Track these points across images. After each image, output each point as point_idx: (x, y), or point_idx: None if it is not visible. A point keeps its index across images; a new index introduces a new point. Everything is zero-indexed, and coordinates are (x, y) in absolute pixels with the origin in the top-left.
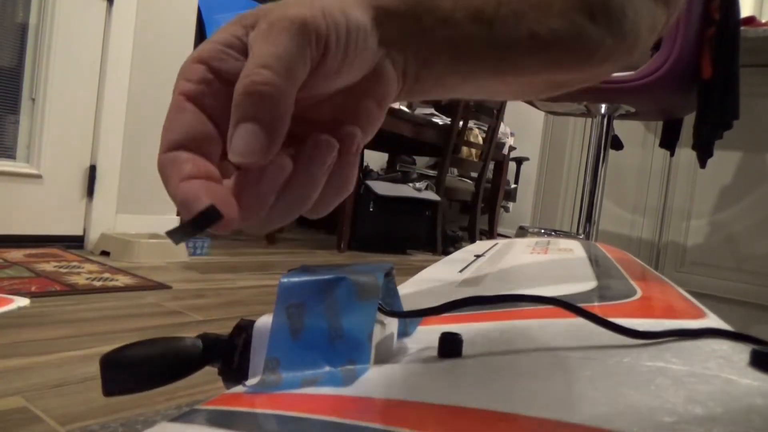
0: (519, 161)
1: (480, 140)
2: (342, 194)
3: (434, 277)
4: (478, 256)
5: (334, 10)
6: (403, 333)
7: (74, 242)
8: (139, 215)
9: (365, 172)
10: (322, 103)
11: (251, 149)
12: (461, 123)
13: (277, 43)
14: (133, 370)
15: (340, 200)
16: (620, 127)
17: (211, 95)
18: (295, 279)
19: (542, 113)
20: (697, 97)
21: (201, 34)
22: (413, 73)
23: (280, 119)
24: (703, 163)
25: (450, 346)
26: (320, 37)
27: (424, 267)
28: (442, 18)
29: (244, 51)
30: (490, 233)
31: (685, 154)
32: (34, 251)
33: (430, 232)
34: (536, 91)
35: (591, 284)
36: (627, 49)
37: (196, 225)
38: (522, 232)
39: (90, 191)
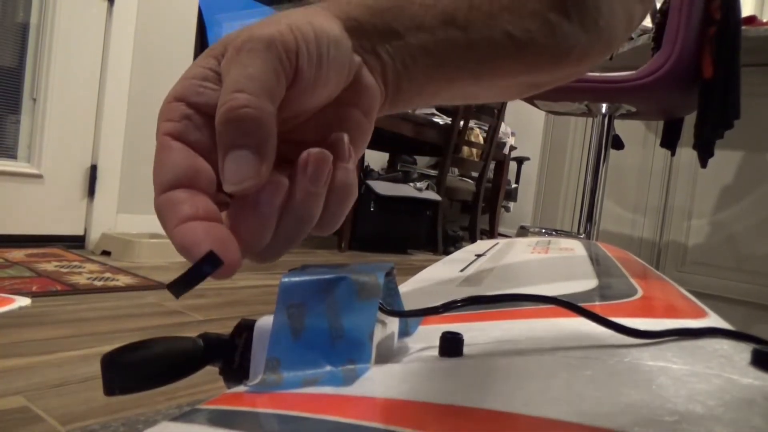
0: (520, 161)
1: (481, 140)
2: (345, 205)
3: (435, 277)
4: (478, 256)
5: (302, 24)
6: (404, 332)
7: (75, 242)
8: (140, 215)
9: (366, 172)
10: (308, 122)
11: (244, 175)
12: (462, 123)
13: (248, 65)
14: (134, 369)
15: (346, 212)
16: (621, 127)
17: (195, 130)
18: (296, 279)
19: (543, 113)
20: (698, 96)
21: (201, 34)
22: (393, 82)
23: (267, 139)
24: (704, 163)
25: (451, 345)
26: (290, 51)
27: (424, 267)
28: (415, 24)
29: (219, 80)
30: (491, 233)
31: (686, 153)
32: (35, 251)
33: (431, 231)
34: (516, 92)
35: (592, 283)
36: (603, 46)
37: (196, 275)
38: (523, 231)
39: (91, 191)
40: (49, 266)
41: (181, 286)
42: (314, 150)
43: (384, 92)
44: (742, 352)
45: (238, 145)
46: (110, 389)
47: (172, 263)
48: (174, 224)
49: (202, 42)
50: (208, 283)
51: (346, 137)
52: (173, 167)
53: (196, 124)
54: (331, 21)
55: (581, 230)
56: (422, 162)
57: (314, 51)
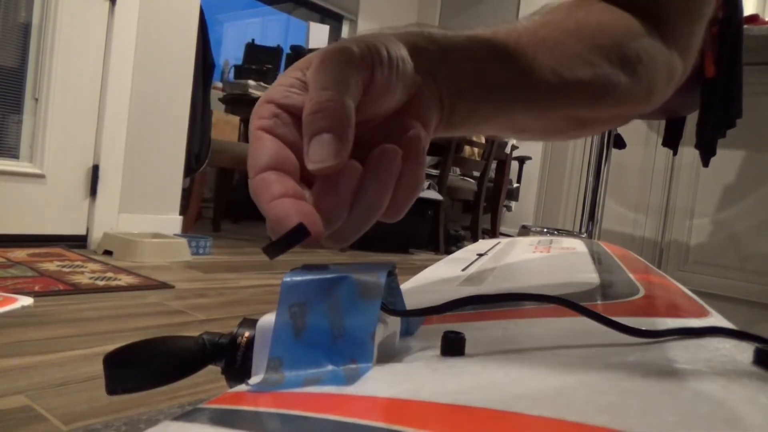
0: (521, 160)
1: (482, 139)
2: (412, 196)
3: (437, 276)
4: (480, 255)
5: (377, 44)
6: (406, 332)
7: (77, 242)
8: (142, 215)
9: None
10: (378, 127)
11: (326, 155)
12: None
13: (332, 70)
14: (137, 368)
15: (411, 202)
16: (623, 126)
17: (283, 126)
18: (298, 278)
19: None
20: (700, 95)
21: (203, 34)
22: (448, 102)
23: (346, 126)
24: (706, 162)
25: (453, 345)
26: (365, 61)
27: (426, 266)
28: (465, 56)
29: (304, 87)
30: (493, 232)
31: (688, 152)
32: (37, 251)
33: (433, 231)
34: (564, 127)
35: (594, 283)
36: (643, 93)
37: (288, 242)
38: (525, 231)
39: (93, 191)
40: (52, 266)
41: (274, 249)
42: (388, 146)
43: (440, 110)
44: (745, 351)
45: (322, 130)
46: (113, 388)
47: (174, 263)
48: (268, 200)
49: (203, 42)
50: (210, 283)
51: (422, 133)
52: (266, 153)
53: (284, 121)
54: (399, 44)
55: (583, 230)
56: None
57: (386, 64)
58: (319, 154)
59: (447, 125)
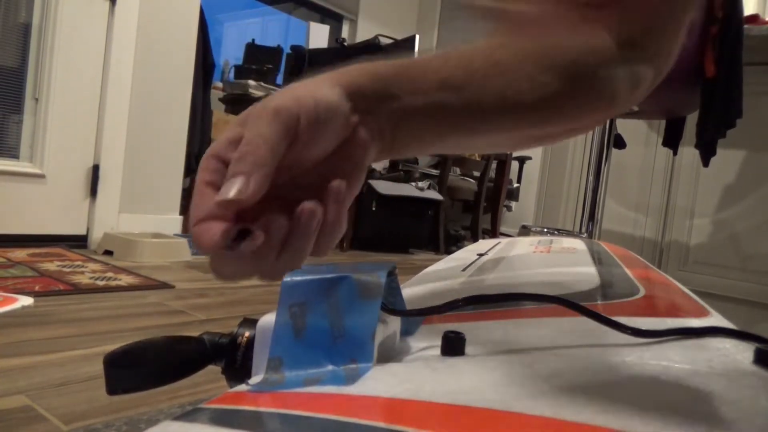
0: (522, 160)
1: None
2: (334, 239)
3: (437, 276)
4: (480, 255)
5: (305, 95)
6: (406, 332)
7: (77, 242)
8: (142, 215)
9: (368, 171)
10: (313, 168)
11: (237, 192)
12: None
13: (259, 126)
14: (137, 369)
15: (335, 242)
16: (623, 126)
17: (223, 178)
18: (298, 278)
19: None
20: (700, 95)
21: (203, 34)
22: (388, 137)
23: (264, 175)
24: (706, 162)
25: (453, 344)
26: (291, 117)
27: (426, 266)
28: (412, 88)
29: (241, 140)
30: (493, 232)
31: (688, 152)
32: (37, 251)
33: (433, 231)
34: (516, 143)
35: (594, 283)
36: (604, 105)
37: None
38: (525, 231)
39: (93, 191)
40: (52, 266)
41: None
42: (308, 204)
43: (380, 144)
44: (745, 351)
45: (237, 174)
46: (113, 389)
47: (174, 263)
48: (210, 245)
49: (203, 42)
50: (210, 283)
51: (343, 187)
52: (206, 205)
53: (224, 173)
54: (333, 89)
55: (583, 230)
56: (424, 161)
57: (313, 117)
58: (226, 190)
59: (387, 154)
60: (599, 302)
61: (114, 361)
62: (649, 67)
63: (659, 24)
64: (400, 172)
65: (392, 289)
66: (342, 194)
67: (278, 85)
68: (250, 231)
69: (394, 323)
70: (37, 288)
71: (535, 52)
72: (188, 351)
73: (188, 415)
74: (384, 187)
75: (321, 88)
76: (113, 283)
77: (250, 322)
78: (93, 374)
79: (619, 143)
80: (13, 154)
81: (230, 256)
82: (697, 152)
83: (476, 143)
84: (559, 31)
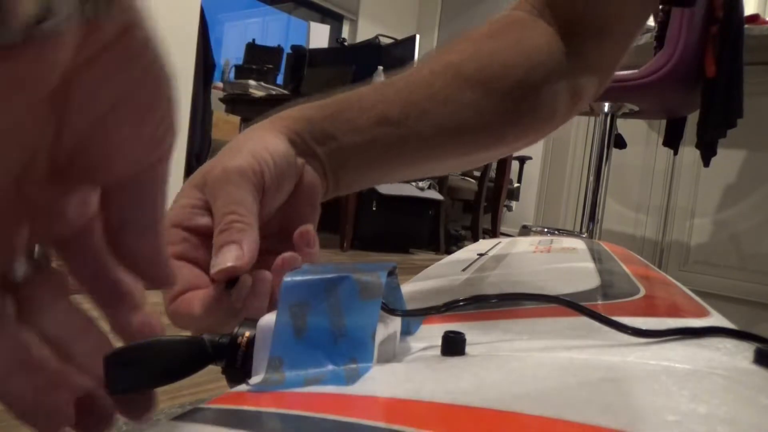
0: (522, 160)
1: None
2: None
3: (437, 276)
4: (481, 255)
5: (260, 150)
6: (406, 332)
7: None
8: None
9: None
10: (272, 218)
11: (234, 259)
12: None
13: (231, 192)
14: (137, 368)
15: None
16: (623, 126)
17: (193, 250)
18: (299, 278)
19: None
20: (700, 95)
21: (203, 34)
22: (332, 176)
23: (250, 239)
24: (706, 162)
25: (453, 344)
26: (257, 175)
27: (426, 266)
28: (350, 128)
29: (206, 207)
30: (493, 232)
31: (689, 152)
32: None
33: (433, 231)
34: (462, 165)
35: (594, 282)
36: (545, 125)
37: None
38: (525, 231)
39: None
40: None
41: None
42: (287, 254)
43: (325, 183)
44: (745, 351)
45: (231, 242)
46: (113, 388)
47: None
48: (197, 316)
49: (204, 42)
50: None
51: (309, 230)
52: (180, 280)
53: (193, 244)
54: (279, 138)
55: (584, 229)
56: None
57: (274, 171)
58: (227, 259)
59: (334, 191)
60: (599, 302)
61: (114, 360)
62: (593, 81)
63: (608, 35)
64: None
65: (392, 289)
66: (314, 238)
67: (278, 85)
68: (237, 279)
69: (395, 323)
70: None
71: (477, 76)
72: (189, 351)
73: (188, 414)
74: (384, 187)
75: (269, 141)
76: None
77: (251, 322)
78: None
79: (620, 143)
80: None
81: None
82: (697, 152)
83: (421, 171)
84: (507, 46)
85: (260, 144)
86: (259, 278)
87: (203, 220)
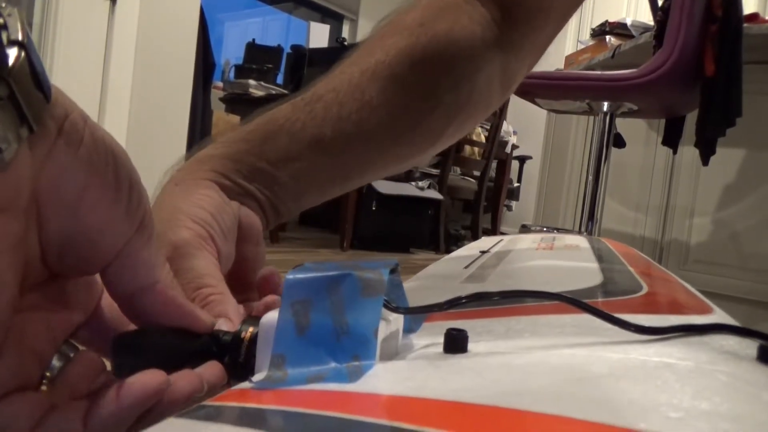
0: (522, 160)
1: (483, 139)
2: None
3: (439, 273)
4: (483, 252)
5: (197, 212)
6: (409, 329)
7: None
8: None
9: None
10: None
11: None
12: None
13: (193, 267)
14: (144, 355)
15: None
16: (623, 125)
17: None
18: (301, 275)
19: (545, 111)
20: (699, 94)
21: (203, 34)
22: (271, 209)
23: (235, 308)
24: (705, 161)
25: (455, 342)
26: (208, 242)
27: (427, 266)
28: (281, 157)
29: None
30: (493, 232)
31: (688, 151)
32: None
33: (433, 230)
34: (402, 168)
35: (596, 280)
36: (480, 110)
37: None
38: (525, 230)
39: None
40: None
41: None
42: (269, 297)
43: (264, 218)
44: (748, 348)
45: (216, 316)
46: (119, 372)
47: None
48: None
49: (204, 41)
50: None
51: (273, 272)
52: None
53: None
54: (209, 189)
55: (583, 229)
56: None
57: (220, 231)
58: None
59: (276, 220)
60: (602, 299)
61: (122, 344)
62: (524, 65)
63: (544, 18)
64: None
65: (395, 286)
66: (276, 276)
67: (278, 85)
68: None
69: (397, 321)
70: None
71: (411, 76)
72: (193, 344)
73: (191, 412)
74: (384, 186)
75: (201, 197)
76: None
77: (253, 320)
78: None
79: (619, 142)
80: None
81: None
82: (697, 151)
83: (362, 181)
84: (432, 34)
85: (194, 204)
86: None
87: None
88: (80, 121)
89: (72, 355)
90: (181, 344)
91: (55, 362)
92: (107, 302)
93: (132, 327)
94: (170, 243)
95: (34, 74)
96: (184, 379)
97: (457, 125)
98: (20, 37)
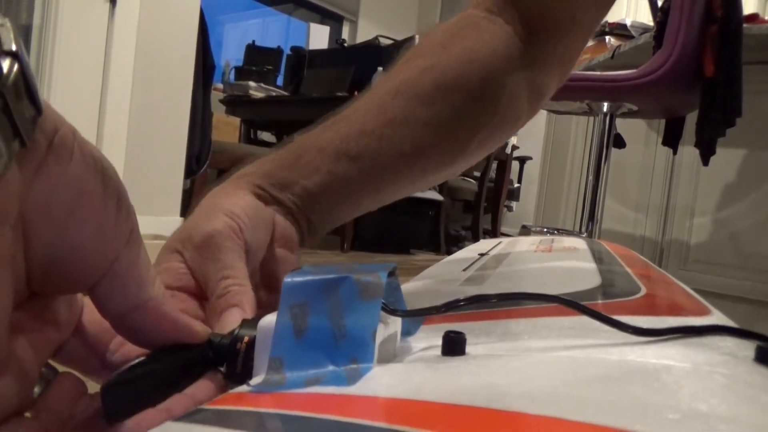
0: (522, 160)
1: None
2: None
3: (438, 276)
4: (482, 255)
5: (232, 208)
6: (407, 332)
7: None
8: (142, 216)
9: None
10: (254, 274)
11: (236, 323)
12: None
13: (219, 258)
14: (137, 401)
15: None
16: (623, 126)
17: (181, 302)
18: (299, 279)
19: (545, 112)
20: (699, 94)
21: (203, 35)
22: (303, 220)
23: (252, 301)
24: (705, 161)
25: (453, 344)
26: (237, 234)
27: (427, 267)
28: (309, 171)
29: (187, 271)
30: (494, 233)
31: (688, 151)
32: None
33: (434, 231)
34: (432, 182)
35: (595, 282)
36: (509, 125)
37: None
38: (525, 231)
39: None
40: None
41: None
42: None
43: (298, 229)
44: (746, 349)
45: (231, 305)
46: (111, 420)
47: None
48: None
49: (203, 43)
50: None
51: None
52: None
53: (181, 298)
54: (245, 194)
55: (583, 229)
56: None
57: (250, 226)
58: (226, 322)
59: (310, 234)
60: (600, 301)
61: (113, 390)
62: (554, 78)
63: (569, 30)
64: None
65: (393, 289)
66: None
67: (278, 87)
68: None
69: (395, 323)
70: None
71: (434, 92)
72: (189, 361)
73: (189, 415)
74: None
75: (237, 198)
76: None
77: (251, 323)
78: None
79: (619, 143)
80: None
81: None
82: (697, 151)
83: (390, 197)
84: (462, 52)
85: (229, 202)
86: None
87: (188, 280)
88: (70, 136)
89: (52, 377)
90: (177, 362)
91: (35, 387)
92: (88, 318)
93: (115, 341)
94: (203, 233)
95: (27, 86)
96: (180, 406)
97: (479, 142)
98: (14, 48)
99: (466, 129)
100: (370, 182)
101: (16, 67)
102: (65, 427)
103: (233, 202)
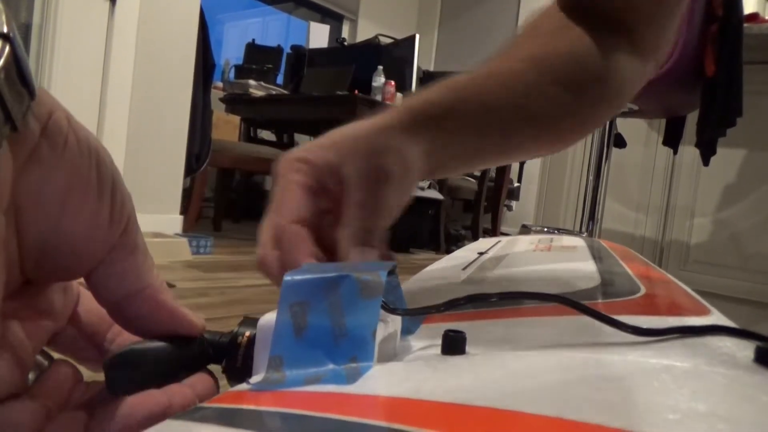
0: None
1: None
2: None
3: (437, 275)
4: (481, 254)
5: (406, 153)
6: (407, 331)
7: None
8: (143, 214)
9: None
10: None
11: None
12: None
13: (374, 196)
14: (137, 371)
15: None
16: (623, 125)
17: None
18: (299, 277)
19: None
20: (700, 94)
21: (203, 34)
22: (435, 155)
23: (377, 243)
24: (706, 161)
25: (453, 343)
26: (402, 184)
27: (426, 266)
28: (458, 113)
29: (337, 173)
30: (494, 232)
31: (689, 151)
32: None
33: (433, 230)
34: (537, 155)
35: (594, 281)
36: (617, 104)
37: None
38: (525, 230)
39: None
40: None
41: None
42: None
43: (425, 165)
44: (746, 349)
45: (364, 243)
46: (114, 390)
47: (175, 262)
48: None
49: (203, 42)
50: (211, 282)
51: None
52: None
53: (318, 184)
54: (391, 127)
55: (583, 229)
56: None
57: (398, 160)
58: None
59: (431, 174)
60: (600, 301)
61: (114, 365)
62: (650, 61)
63: (653, 15)
64: None
65: (393, 288)
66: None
67: (278, 85)
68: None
69: (395, 322)
70: None
71: (562, 70)
72: (188, 352)
73: (189, 413)
74: None
75: (390, 120)
76: None
77: (251, 321)
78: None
79: (620, 142)
80: None
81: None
82: (697, 151)
83: (502, 158)
84: (572, 42)
85: (382, 127)
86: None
87: (332, 182)
88: (64, 121)
89: (46, 364)
90: (178, 353)
91: (30, 373)
92: (84, 308)
93: (112, 330)
94: (354, 136)
95: (19, 69)
96: (179, 396)
97: (596, 118)
98: (5, 30)
99: (583, 109)
100: (499, 136)
101: (7, 49)
102: (61, 411)
103: (405, 141)
